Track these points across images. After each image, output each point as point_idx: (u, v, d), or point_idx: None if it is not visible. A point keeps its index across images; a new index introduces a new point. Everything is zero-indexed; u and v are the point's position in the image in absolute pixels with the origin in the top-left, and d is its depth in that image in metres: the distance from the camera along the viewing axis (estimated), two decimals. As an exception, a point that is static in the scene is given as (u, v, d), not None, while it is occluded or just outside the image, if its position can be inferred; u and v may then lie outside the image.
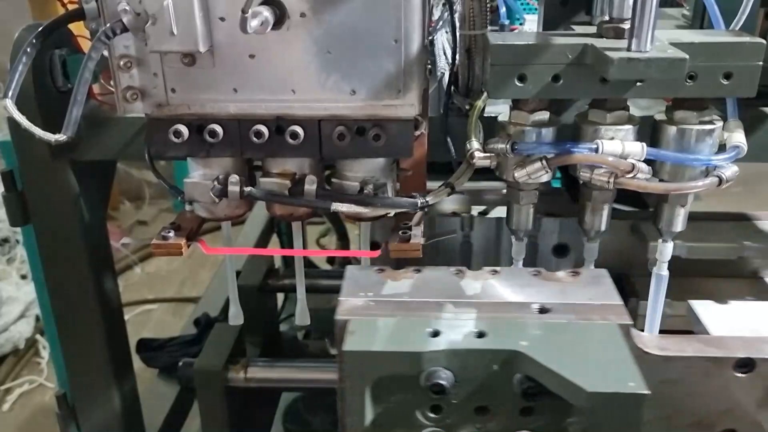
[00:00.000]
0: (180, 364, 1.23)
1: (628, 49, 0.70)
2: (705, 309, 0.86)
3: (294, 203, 0.82)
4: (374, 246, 0.91)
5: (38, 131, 0.71)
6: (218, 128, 0.77)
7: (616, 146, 0.76)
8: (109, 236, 1.18)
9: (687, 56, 0.68)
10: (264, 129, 0.77)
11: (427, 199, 0.82)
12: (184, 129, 0.77)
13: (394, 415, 0.72)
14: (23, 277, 2.93)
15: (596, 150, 0.76)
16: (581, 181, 0.83)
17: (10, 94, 0.70)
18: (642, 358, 0.73)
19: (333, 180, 0.84)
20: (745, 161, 1.04)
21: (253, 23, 0.63)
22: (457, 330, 0.70)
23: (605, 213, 0.86)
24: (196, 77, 0.76)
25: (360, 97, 0.76)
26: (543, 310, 0.74)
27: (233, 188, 0.80)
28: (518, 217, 0.87)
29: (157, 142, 0.79)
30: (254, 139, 0.77)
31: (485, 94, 0.87)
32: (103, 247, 1.16)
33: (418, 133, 0.90)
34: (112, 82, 0.78)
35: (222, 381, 1.14)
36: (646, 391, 0.63)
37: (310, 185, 0.80)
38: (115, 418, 1.22)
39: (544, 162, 0.78)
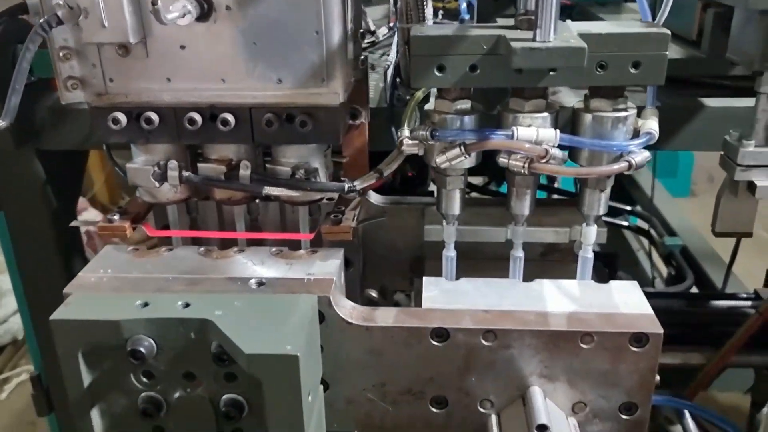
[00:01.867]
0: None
1: (533, 40, 0.73)
2: (431, 284, 0.89)
3: (229, 187, 0.86)
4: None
5: (-23, 119, 0.76)
6: (154, 116, 0.81)
7: (531, 132, 0.79)
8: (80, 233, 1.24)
9: (585, 45, 0.71)
10: (197, 116, 0.81)
11: (355, 184, 0.86)
12: (122, 117, 0.81)
13: (111, 380, 0.77)
14: (24, 269, 3.00)
15: (511, 136, 0.79)
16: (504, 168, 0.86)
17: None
18: (347, 328, 0.80)
19: (267, 165, 0.88)
20: (684, 149, 1.08)
21: (170, 15, 0.68)
22: (167, 302, 0.75)
23: (528, 198, 0.88)
24: (132, 67, 0.80)
25: (286, 86, 0.80)
26: (260, 284, 0.81)
27: (172, 173, 0.84)
28: (446, 201, 0.90)
29: (99, 129, 0.83)
30: (188, 126, 0.82)
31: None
32: (72, 233, 1.21)
33: (357, 122, 0.94)
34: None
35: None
36: (297, 354, 0.68)
37: (245, 170, 0.85)
38: (86, 399, 1.27)
39: (462, 148, 0.81)
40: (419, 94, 0.89)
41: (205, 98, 0.81)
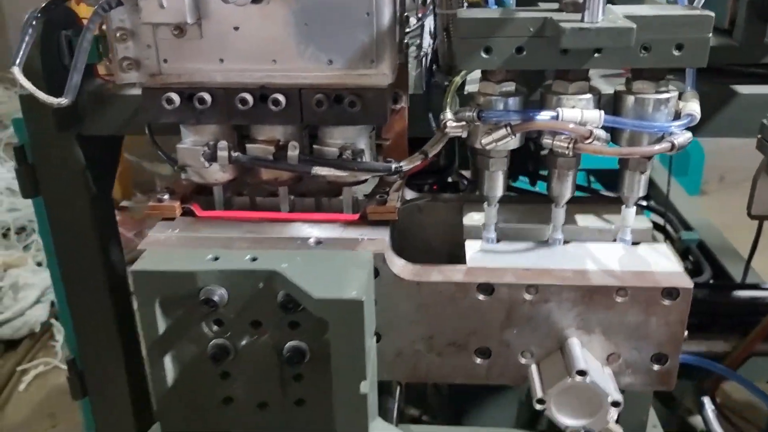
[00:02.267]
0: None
1: (581, 21, 0.75)
2: (472, 245, 0.95)
3: (278, 167, 0.88)
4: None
5: (41, 95, 0.78)
6: (207, 96, 0.84)
7: (575, 113, 0.81)
8: (114, 209, 1.25)
9: (634, 26, 0.73)
10: (249, 97, 0.83)
11: (402, 164, 0.88)
12: (175, 97, 0.84)
13: (184, 327, 0.83)
14: (39, 264, 3.03)
15: (556, 117, 0.81)
16: (546, 150, 0.89)
17: (17, 62, 0.77)
18: (398, 283, 0.86)
19: (314, 146, 0.90)
20: (716, 136, 1.09)
21: (234, -6, 0.70)
22: (235, 256, 0.82)
23: (570, 180, 0.90)
24: (186, 48, 0.82)
25: (336, 67, 0.82)
26: (318, 242, 0.87)
27: (222, 153, 0.86)
28: (489, 183, 0.92)
29: (151, 110, 0.85)
30: (239, 106, 0.84)
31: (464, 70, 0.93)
32: (109, 218, 1.22)
33: (398, 106, 0.96)
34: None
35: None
36: (361, 299, 0.74)
37: (293, 151, 0.87)
38: (121, 384, 1.28)
39: (508, 128, 0.82)
40: (458, 79, 0.91)
41: (256, 79, 0.84)
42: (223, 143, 0.86)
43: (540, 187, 2.15)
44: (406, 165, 0.88)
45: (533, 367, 0.90)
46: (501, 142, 0.83)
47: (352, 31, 0.80)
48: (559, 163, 0.89)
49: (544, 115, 0.81)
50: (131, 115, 1.08)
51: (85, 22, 1.06)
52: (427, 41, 1.11)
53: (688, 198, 2.48)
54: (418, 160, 0.88)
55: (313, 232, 0.90)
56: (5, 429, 2.29)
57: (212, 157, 0.87)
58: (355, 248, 0.86)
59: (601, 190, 2.28)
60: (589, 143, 0.81)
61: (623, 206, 0.93)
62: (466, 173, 1.70)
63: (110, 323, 1.23)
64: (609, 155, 0.84)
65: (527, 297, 0.86)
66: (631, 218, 0.93)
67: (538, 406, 0.86)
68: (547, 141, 0.84)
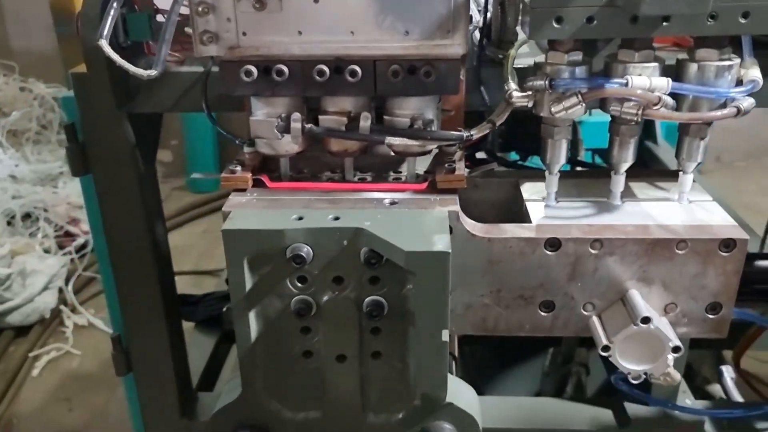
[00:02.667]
0: (225, 309, 1.31)
1: (654, -11, 0.77)
2: (534, 206, 1.00)
3: (352, 137, 0.90)
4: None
5: (132, 68, 0.79)
6: (284, 68, 0.85)
7: (644, 81, 0.84)
8: (159, 186, 1.26)
9: (710, -9, 0.76)
10: (325, 68, 0.85)
11: (472, 133, 0.90)
12: (253, 69, 0.85)
13: (270, 284, 0.87)
14: (46, 251, 3.01)
15: (626, 84, 0.84)
16: (611, 117, 0.92)
17: (104, 34, 0.78)
18: (470, 239, 0.91)
19: (385, 117, 0.92)
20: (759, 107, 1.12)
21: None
22: (318, 216, 0.86)
23: (632, 147, 0.94)
24: (265, 21, 0.84)
25: (413, 38, 0.84)
26: (393, 203, 0.91)
27: (295, 125, 0.88)
28: (552, 151, 0.94)
29: (228, 82, 0.87)
30: (317, 77, 0.85)
31: (518, 42, 0.95)
32: (155, 196, 1.23)
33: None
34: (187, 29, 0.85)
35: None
36: (448, 250, 0.79)
37: (365, 122, 0.88)
38: (164, 360, 1.30)
39: (579, 96, 0.85)
40: (514, 52, 0.94)
41: (332, 51, 0.85)
42: (296, 115, 0.88)
43: (533, 162, 2.20)
44: (476, 133, 0.90)
45: (595, 319, 0.94)
46: (571, 110, 0.86)
47: (430, 1, 0.82)
48: (622, 131, 0.92)
49: (615, 82, 0.84)
50: (182, 92, 1.09)
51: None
52: (475, 14, 1.12)
53: (698, 175, 2.52)
54: (487, 128, 0.91)
55: (385, 195, 0.93)
56: (23, 415, 2.29)
57: (286, 129, 0.88)
58: (429, 208, 0.89)
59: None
60: (657, 110, 0.84)
61: (681, 172, 0.96)
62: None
63: (156, 300, 1.24)
64: (677, 120, 0.88)
65: (592, 251, 0.90)
66: (688, 184, 0.96)
67: (602, 353, 0.91)
68: (614, 109, 0.87)
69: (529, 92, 0.88)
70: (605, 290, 0.93)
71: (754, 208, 3.28)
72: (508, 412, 1.37)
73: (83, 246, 3.09)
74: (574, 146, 2.40)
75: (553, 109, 0.87)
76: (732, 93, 0.86)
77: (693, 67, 0.87)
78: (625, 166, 0.95)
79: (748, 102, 0.85)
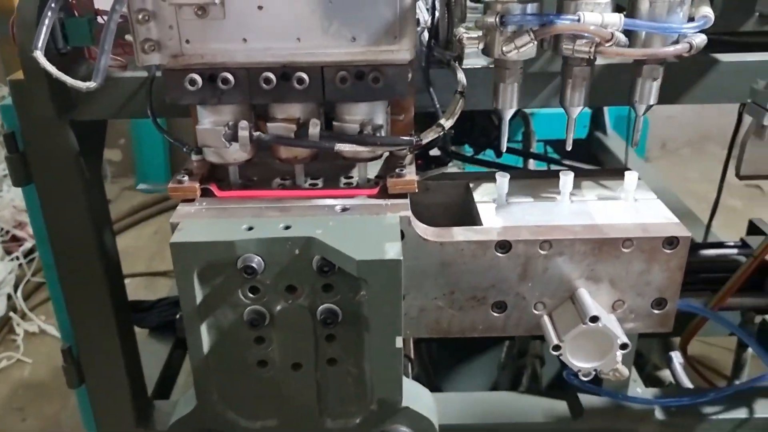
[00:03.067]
0: (178, 317, 1.29)
1: None
2: (485, 208, 1.02)
3: (301, 145, 0.89)
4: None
5: (70, 80, 0.77)
6: (230, 76, 0.84)
7: (596, 17, 0.83)
8: (105, 193, 1.23)
9: None
10: (272, 76, 0.84)
11: (421, 138, 0.90)
12: (198, 78, 0.83)
13: (221, 295, 0.86)
14: (-7, 256, 2.92)
15: (578, 20, 0.83)
16: (563, 58, 0.91)
17: (39, 45, 0.75)
18: (423, 244, 0.92)
19: (334, 123, 0.91)
20: (699, 103, 1.15)
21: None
22: (269, 225, 0.85)
23: (585, 89, 0.94)
24: (209, 28, 0.82)
25: (360, 44, 0.84)
26: (344, 209, 0.91)
27: (243, 133, 0.87)
28: (503, 96, 0.94)
29: (173, 91, 0.85)
30: (263, 85, 0.84)
31: None
32: (102, 203, 1.20)
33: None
34: (128, 37, 0.83)
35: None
36: (399, 258, 0.80)
37: (314, 128, 0.88)
38: (118, 370, 1.27)
39: (531, 34, 0.84)
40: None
41: (279, 58, 0.84)
42: (244, 123, 0.87)
43: (504, 159, 2.22)
44: (425, 137, 0.90)
45: (546, 318, 0.96)
46: (523, 48, 0.85)
47: (376, 7, 0.82)
48: (575, 73, 0.92)
49: (566, 18, 0.83)
50: (126, 98, 1.07)
51: (75, 3, 1.04)
52: (423, 17, 1.12)
53: (642, 164, 2.59)
54: (437, 132, 0.91)
55: (336, 201, 0.93)
56: (-27, 426, 2.22)
57: (233, 137, 0.87)
58: (380, 213, 0.89)
59: (561, 160, 2.36)
60: (610, 46, 0.84)
61: (626, 172, 0.98)
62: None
63: (106, 309, 1.22)
64: (631, 56, 0.87)
65: (542, 252, 0.92)
66: (634, 183, 0.98)
67: (553, 352, 0.93)
68: (567, 47, 0.86)
69: (480, 33, 0.87)
70: (555, 289, 0.95)
71: (698, 195, 3.39)
72: (464, 408, 1.39)
73: (31, 250, 3.00)
74: (526, 137, 2.44)
75: (504, 48, 0.86)
76: (684, 29, 0.86)
77: (645, 3, 0.86)
78: (577, 111, 0.96)
79: (700, 38, 0.86)
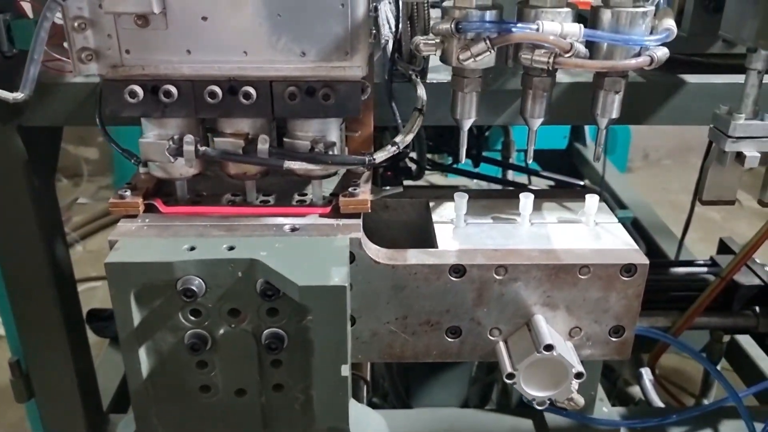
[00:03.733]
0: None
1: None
2: (441, 229, 0.99)
3: (248, 161, 0.85)
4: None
5: (-3, 90, 0.73)
6: (173, 89, 0.80)
7: (556, 26, 0.80)
8: (58, 202, 1.19)
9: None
10: (218, 90, 0.80)
11: (375, 157, 0.87)
12: (139, 89, 0.80)
13: (160, 318, 0.83)
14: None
15: (537, 29, 0.80)
16: (524, 67, 0.88)
17: (-38, 52, 0.71)
18: (374, 266, 0.89)
19: (285, 139, 0.88)
20: (666, 125, 1.13)
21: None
22: (211, 246, 0.81)
23: (545, 101, 0.90)
24: (150, 39, 0.78)
25: (310, 59, 0.80)
26: (293, 229, 0.87)
27: (188, 147, 0.83)
28: (462, 105, 0.91)
29: (112, 103, 0.81)
30: (208, 99, 0.81)
31: None
32: (53, 212, 1.16)
33: (364, 97, 0.95)
34: (65, 44, 0.79)
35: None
36: (345, 284, 0.76)
37: (263, 144, 0.84)
38: (70, 384, 1.23)
39: (487, 42, 0.81)
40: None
41: (225, 71, 0.81)
42: (189, 137, 0.83)
43: (483, 169, 2.20)
44: (379, 156, 0.87)
45: (501, 344, 0.94)
46: (479, 57, 0.82)
47: (326, 22, 0.78)
48: (535, 84, 0.89)
49: (525, 27, 0.80)
50: (76, 104, 1.03)
51: (22, 4, 1.00)
52: (386, 29, 1.09)
53: (620, 176, 2.59)
54: (391, 152, 0.88)
55: (286, 220, 0.89)
56: (-68, 436, 2.16)
57: (178, 152, 0.83)
58: (330, 234, 0.86)
59: (540, 171, 2.35)
60: (570, 57, 0.81)
61: (587, 195, 0.96)
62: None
63: (57, 321, 1.18)
64: (590, 69, 0.85)
65: (497, 276, 0.89)
66: (594, 206, 0.96)
67: (507, 381, 0.90)
68: (525, 57, 0.83)
69: (437, 39, 0.84)
70: (511, 315, 0.92)
71: (679, 206, 3.38)
72: (430, 425, 1.36)
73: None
74: (505, 147, 2.42)
75: (461, 56, 0.82)
76: (646, 41, 0.83)
77: (607, 14, 0.83)
78: (537, 122, 0.93)
79: (662, 51, 0.83)
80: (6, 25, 0.96)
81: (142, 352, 0.84)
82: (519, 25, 0.81)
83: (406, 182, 1.73)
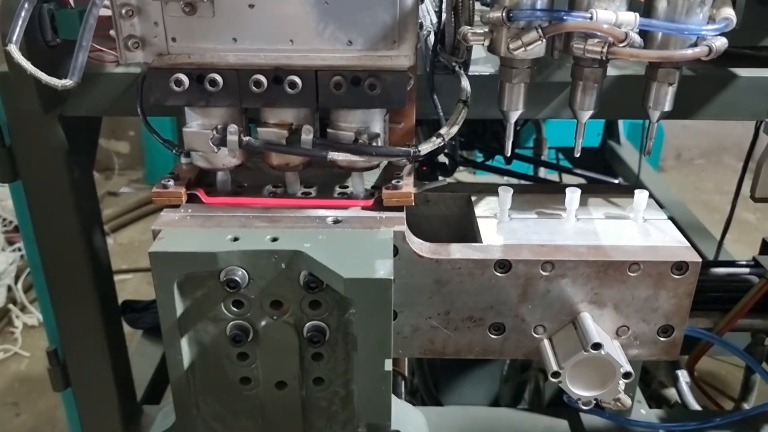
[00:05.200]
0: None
1: None
2: (485, 223, 0.96)
3: (292, 152, 0.84)
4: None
5: (45, 77, 0.73)
6: (218, 77, 0.79)
7: (610, 15, 0.77)
8: (96, 193, 1.19)
9: None
10: (263, 79, 0.79)
11: (420, 149, 0.86)
12: (184, 78, 0.79)
13: (203, 308, 0.82)
14: (-7, 247, 2.91)
15: (591, 18, 0.77)
16: (574, 57, 0.86)
17: (14, 39, 0.71)
18: (417, 260, 0.87)
19: (328, 130, 0.86)
20: (716, 119, 1.10)
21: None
22: (255, 237, 0.80)
23: (596, 93, 0.87)
24: (197, 26, 0.78)
25: (357, 48, 0.79)
26: (336, 222, 0.86)
27: (232, 137, 0.82)
28: (510, 97, 0.88)
29: (157, 91, 0.80)
30: (253, 88, 0.80)
31: None
32: (92, 202, 1.17)
33: (408, 88, 0.94)
34: (110, 33, 0.79)
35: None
36: (390, 277, 0.75)
37: (307, 135, 0.83)
38: (105, 373, 1.23)
39: (539, 31, 0.79)
40: None
41: (271, 60, 0.80)
42: (233, 127, 0.82)
43: (515, 166, 2.17)
44: (424, 149, 0.86)
45: (545, 342, 0.91)
46: (530, 46, 0.79)
47: (374, 10, 0.77)
48: (586, 74, 0.86)
49: (578, 15, 0.77)
50: (118, 94, 1.02)
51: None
52: (427, 20, 1.08)
53: (656, 175, 2.54)
54: (436, 144, 0.86)
55: (329, 212, 0.88)
56: (-33, 420, 2.20)
57: (222, 142, 0.83)
58: (374, 227, 0.85)
59: (573, 169, 2.31)
60: (624, 47, 0.78)
61: (635, 190, 0.93)
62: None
63: (94, 311, 1.18)
64: (645, 59, 0.81)
65: (543, 273, 0.87)
66: (644, 202, 0.93)
67: (552, 379, 0.88)
68: (577, 47, 0.81)
69: (485, 29, 0.82)
70: (556, 312, 0.90)
71: (712, 206, 3.32)
72: (463, 423, 1.34)
73: (34, 242, 2.98)
74: (537, 145, 2.39)
75: (511, 46, 0.80)
76: (704, 31, 0.79)
77: (662, 2, 0.80)
78: (587, 115, 0.90)
79: (720, 41, 0.80)
80: (50, 15, 0.95)
81: (184, 343, 0.83)
82: (572, 13, 0.78)
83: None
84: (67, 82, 0.73)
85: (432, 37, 1.01)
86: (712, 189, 3.69)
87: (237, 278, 0.77)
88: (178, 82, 0.79)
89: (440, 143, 0.86)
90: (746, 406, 1.54)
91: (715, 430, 1.32)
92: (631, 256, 0.87)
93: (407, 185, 0.89)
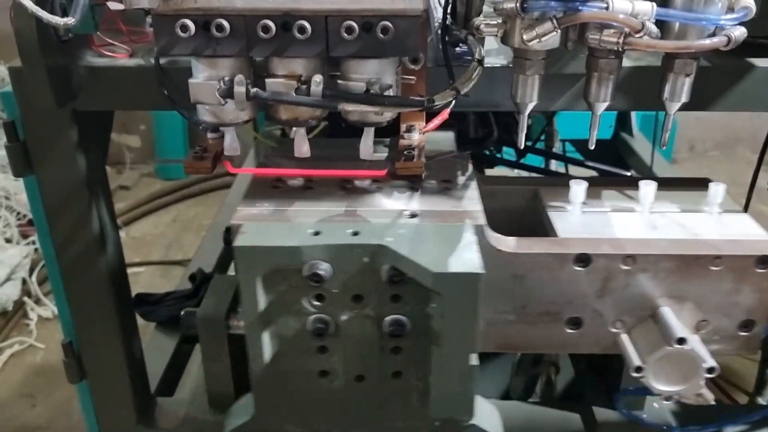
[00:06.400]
0: (182, 314, 1.21)
1: None
2: (559, 217, 0.94)
3: (301, 102, 0.81)
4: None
5: (46, 15, 0.71)
6: (225, 23, 0.77)
7: (626, 5, 0.75)
8: (109, 186, 1.17)
9: None
10: (271, 24, 0.77)
11: (434, 98, 0.82)
12: (190, 24, 0.77)
13: (284, 303, 0.82)
14: (8, 240, 2.93)
15: (607, 8, 0.75)
16: (589, 49, 0.84)
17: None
18: (495, 254, 0.85)
19: (339, 81, 0.84)
20: (731, 110, 1.06)
21: None
22: (336, 231, 0.81)
23: (611, 84, 0.85)
24: (203, -31, 0.76)
25: (368, -9, 0.76)
26: (413, 216, 0.86)
27: (239, 89, 0.80)
28: (523, 89, 0.86)
29: (163, 39, 0.78)
30: (261, 34, 0.77)
31: None
32: (105, 196, 1.15)
33: (418, 66, 0.91)
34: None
35: (225, 328, 1.14)
36: (481, 271, 0.73)
37: (317, 86, 0.80)
38: (119, 366, 1.21)
39: (554, 21, 0.77)
40: None
41: (279, 4, 0.77)
42: (240, 77, 0.80)
43: (528, 160, 2.14)
44: (438, 99, 0.82)
45: (625, 336, 0.89)
46: (545, 37, 0.78)
47: (386, -51, 0.74)
48: (601, 66, 0.84)
49: (594, 5, 0.76)
50: (129, 90, 1.01)
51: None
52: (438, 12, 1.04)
53: (668, 168, 2.50)
54: (450, 96, 0.83)
55: (400, 203, 0.88)
56: (-17, 411, 2.18)
57: (228, 93, 0.80)
58: (450, 220, 0.84)
59: (585, 161, 2.28)
60: (641, 37, 0.76)
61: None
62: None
63: (108, 304, 1.16)
64: (663, 49, 0.80)
65: (624, 267, 0.85)
66: (720, 194, 0.92)
67: (635, 374, 0.85)
68: (593, 38, 0.79)
69: (498, 20, 0.81)
70: (635, 307, 0.88)
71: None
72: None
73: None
74: (549, 137, 2.35)
75: (525, 37, 0.78)
76: (722, 20, 0.77)
77: None
78: (602, 107, 0.87)
79: (739, 31, 0.78)
80: (62, 10, 0.93)
81: (266, 336, 0.82)
82: (588, 3, 0.76)
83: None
84: (69, 20, 0.71)
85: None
86: (726, 181, 3.62)
87: (321, 272, 0.77)
88: (184, 28, 0.77)
89: (454, 95, 0.83)
90: (761, 400, 1.48)
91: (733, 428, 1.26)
92: (714, 249, 0.85)
93: (420, 156, 0.88)
